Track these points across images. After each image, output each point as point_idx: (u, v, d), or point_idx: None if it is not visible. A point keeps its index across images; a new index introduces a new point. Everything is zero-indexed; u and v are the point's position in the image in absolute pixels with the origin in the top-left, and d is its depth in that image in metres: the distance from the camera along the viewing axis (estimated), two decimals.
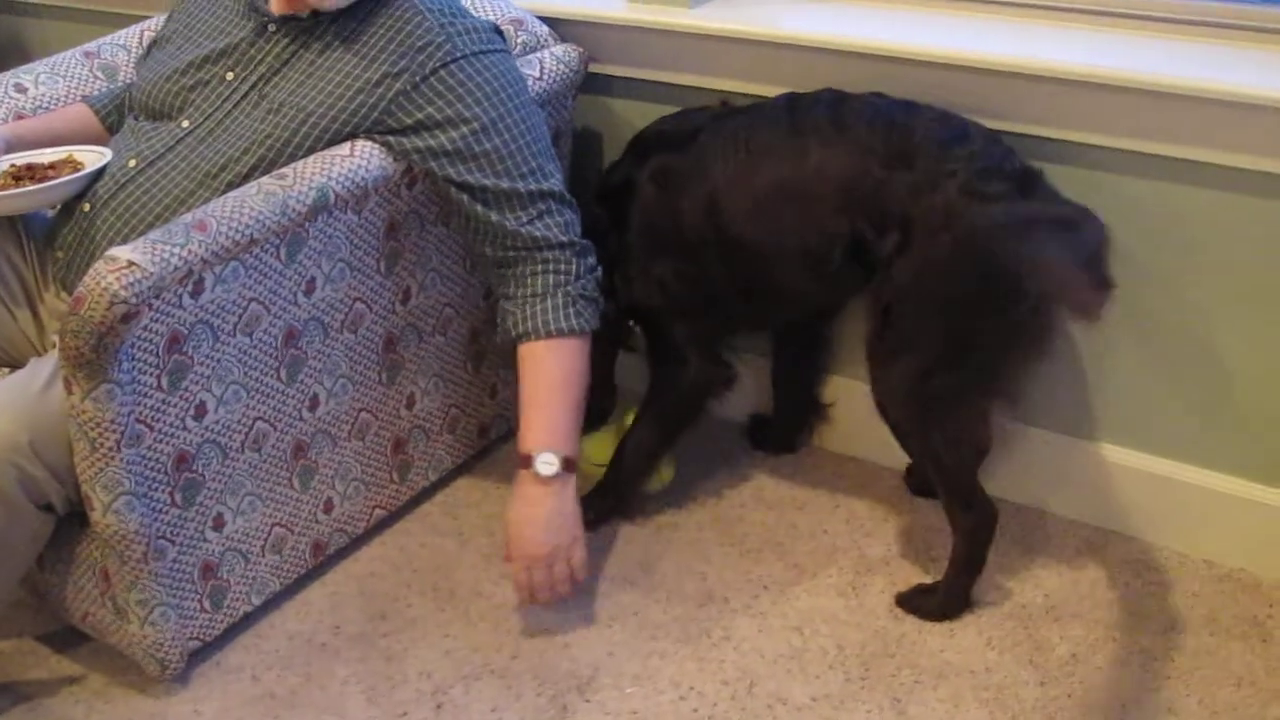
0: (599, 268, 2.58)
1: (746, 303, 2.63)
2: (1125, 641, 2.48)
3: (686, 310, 2.64)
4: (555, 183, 2.52)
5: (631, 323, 2.76)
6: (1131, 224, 2.47)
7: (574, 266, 2.50)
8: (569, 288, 2.48)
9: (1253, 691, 2.37)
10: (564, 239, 2.49)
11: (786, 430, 3.06)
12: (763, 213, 2.48)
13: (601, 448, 2.86)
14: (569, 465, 2.48)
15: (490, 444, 3.06)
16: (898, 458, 2.91)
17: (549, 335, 2.48)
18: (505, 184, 2.45)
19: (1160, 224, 2.48)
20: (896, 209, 2.34)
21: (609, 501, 2.82)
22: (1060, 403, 2.69)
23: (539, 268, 2.49)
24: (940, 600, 2.55)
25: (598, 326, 2.54)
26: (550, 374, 2.50)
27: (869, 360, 2.47)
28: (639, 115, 2.94)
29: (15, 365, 2.47)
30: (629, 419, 2.85)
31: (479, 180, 2.45)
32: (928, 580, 2.61)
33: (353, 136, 2.46)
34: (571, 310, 2.48)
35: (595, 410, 2.80)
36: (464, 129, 2.44)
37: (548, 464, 2.44)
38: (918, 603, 2.56)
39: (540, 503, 2.46)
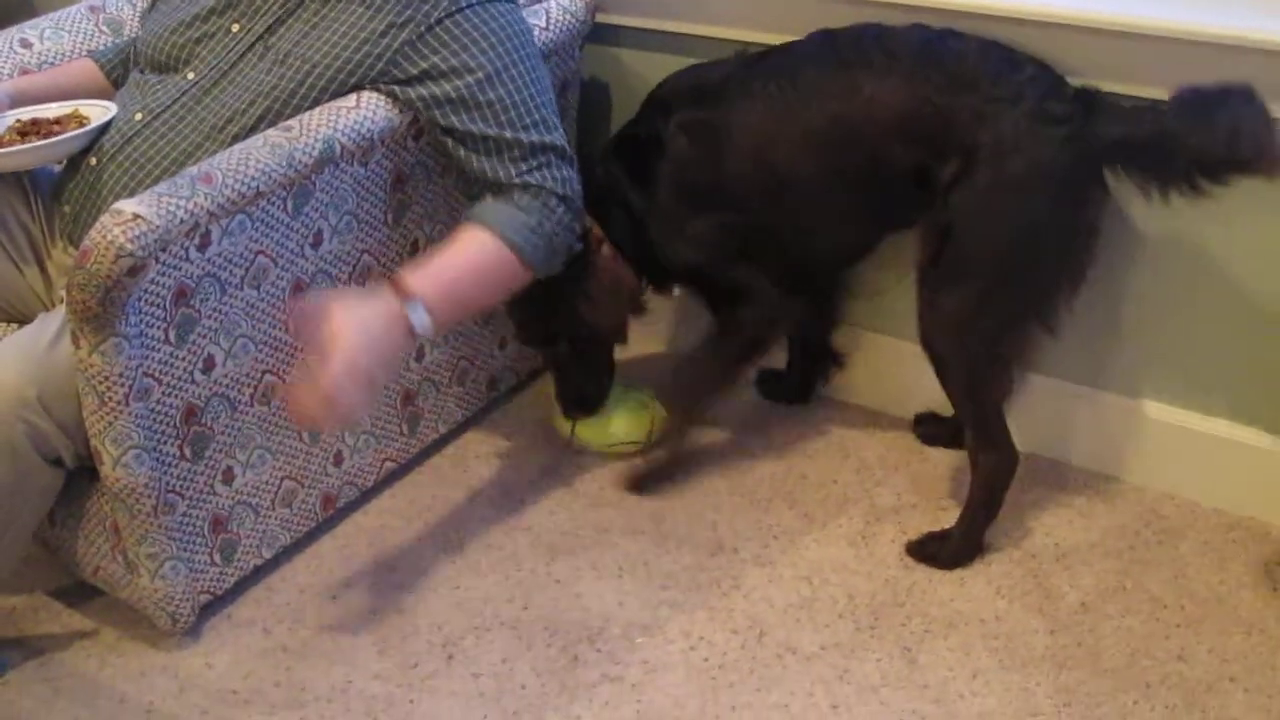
0: (583, 241, 2.55)
1: (794, 249, 2.60)
2: (1135, 590, 2.48)
3: (736, 260, 2.60)
4: (557, 137, 2.49)
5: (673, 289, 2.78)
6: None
7: (559, 215, 2.44)
8: (545, 224, 2.41)
9: (1262, 639, 2.37)
10: (560, 191, 2.45)
11: (802, 380, 3.05)
12: (817, 150, 2.45)
13: (600, 431, 2.88)
14: (420, 335, 2.30)
15: (499, 396, 3.06)
16: (908, 407, 2.91)
17: (497, 233, 2.37)
18: (508, 134, 2.43)
19: None
20: (960, 135, 2.31)
21: (680, 438, 2.84)
22: (1073, 352, 2.68)
23: (526, 198, 2.43)
24: (954, 545, 2.55)
25: (540, 274, 2.44)
26: (476, 260, 2.37)
27: (922, 288, 2.44)
28: (647, 66, 2.92)
29: (23, 321, 2.47)
30: (629, 402, 2.88)
31: (480, 130, 2.43)
32: (937, 530, 2.61)
33: (359, 88, 2.44)
34: (532, 236, 2.39)
35: (592, 395, 2.82)
36: (468, 78, 2.42)
37: (421, 320, 2.25)
38: (930, 550, 2.56)
39: (385, 333, 2.22)
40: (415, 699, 2.34)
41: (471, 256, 2.37)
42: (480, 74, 2.41)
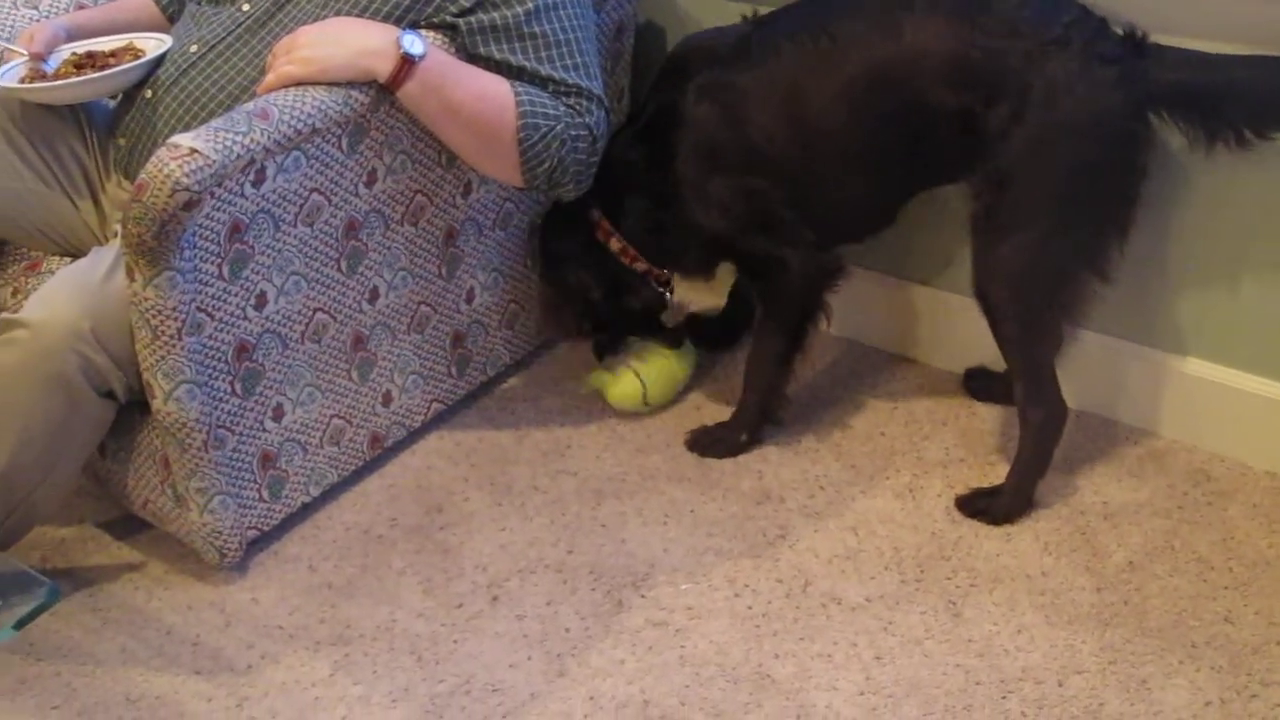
0: (591, 177, 2.54)
1: (829, 207, 2.56)
2: (1184, 551, 2.47)
3: (767, 223, 2.55)
4: (596, 85, 2.47)
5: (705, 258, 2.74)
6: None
7: (577, 138, 2.42)
8: (558, 127, 2.40)
9: None
10: (589, 123, 2.44)
11: (725, 327, 3.06)
12: (857, 101, 2.41)
13: (622, 386, 2.85)
14: (409, 70, 2.32)
15: (548, 340, 3.06)
16: (959, 361, 2.89)
17: (515, 93, 2.39)
18: (545, 69, 2.42)
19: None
20: (1009, 79, 2.28)
21: (755, 418, 2.76)
22: (1126, 310, 2.66)
23: (561, 107, 2.43)
24: (1004, 500, 2.53)
25: (520, 165, 2.43)
26: (486, 86, 2.40)
27: (977, 239, 2.42)
28: (703, 9, 2.91)
29: (77, 255, 2.48)
30: (651, 358, 2.85)
31: (519, 60, 2.41)
32: (985, 485, 2.60)
33: (414, 24, 2.43)
34: (542, 124, 2.39)
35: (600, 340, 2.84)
36: (518, 8, 2.40)
37: (414, 44, 2.32)
38: (979, 505, 2.55)
39: (374, 44, 2.33)
40: (459, 639, 2.35)
41: (482, 81, 2.40)
42: (531, 5, 2.40)
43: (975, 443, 2.74)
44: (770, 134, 2.47)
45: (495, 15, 2.40)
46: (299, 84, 2.29)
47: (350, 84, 2.31)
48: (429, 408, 2.78)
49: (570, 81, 2.42)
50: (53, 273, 2.45)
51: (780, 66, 2.45)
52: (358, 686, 2.27)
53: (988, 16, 2.30)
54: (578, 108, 2.43)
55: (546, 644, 2.33)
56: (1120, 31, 2.31)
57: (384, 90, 2.34)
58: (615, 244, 2.65)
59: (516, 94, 2.38)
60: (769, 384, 2.72)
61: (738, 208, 2.54)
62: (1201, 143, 2.30)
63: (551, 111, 2.39)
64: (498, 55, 2.42)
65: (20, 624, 2.03)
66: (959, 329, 2.79)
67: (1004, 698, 2.20)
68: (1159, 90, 2.29)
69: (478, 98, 2.37)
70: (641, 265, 2.68)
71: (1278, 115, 2.26)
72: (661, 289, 2.75)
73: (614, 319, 2.78)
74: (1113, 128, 2.30)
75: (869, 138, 2.45)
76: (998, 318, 2.45)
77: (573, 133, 2.41)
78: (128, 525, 2.60)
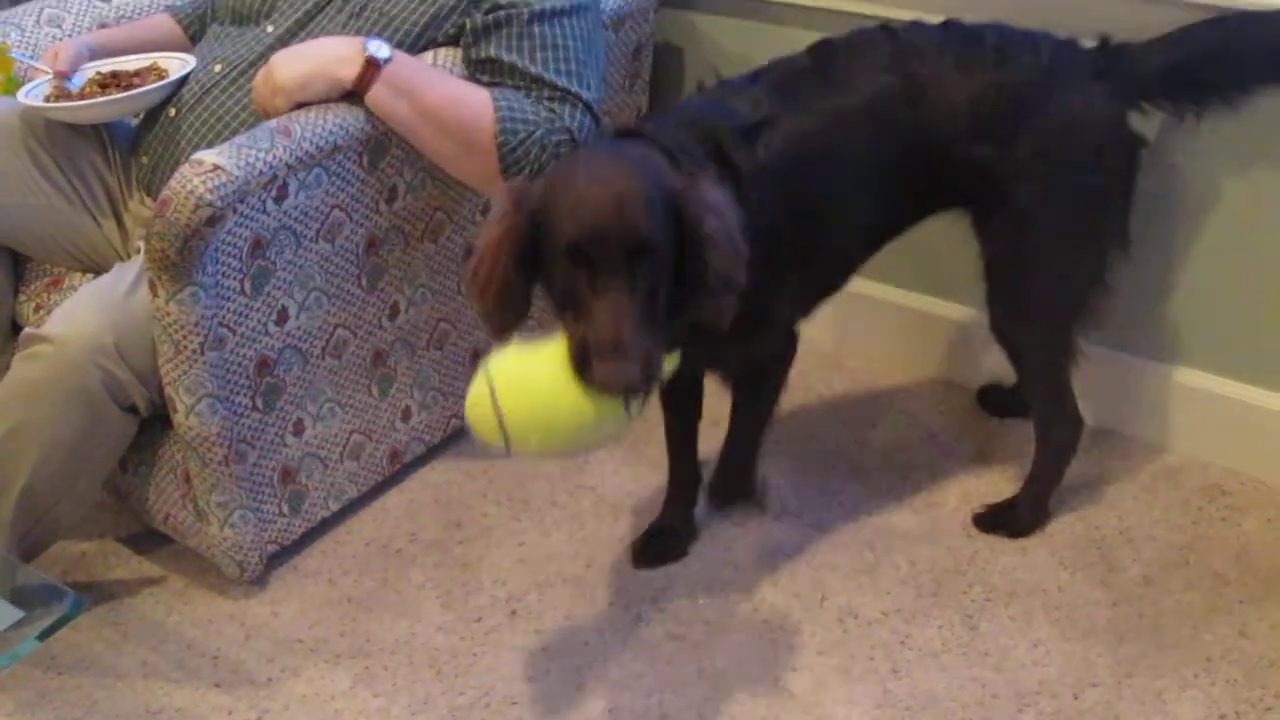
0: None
1: (832, 265, 2.41)
2: (1199, 565, 2.48)
3: (772, 318, 2.31)
4: (587, 92, 2.43)
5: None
6: (1210, 144, 2.45)
7: (557, 141, 2.37)
8: (537, 132, 2.36)
9: None
10: (571, 127, 2.39)
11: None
12: (878, 154, 2.26)
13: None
14: (374, 73, 2.33)
15: None
16: (972, 377, 2.90)
17: (492, 97, 2.37)
18: (535, 68, 2.40)
19: (1244, 146, 2.46)
20: (1026, 114, 2.24)
21: (738, 491, 2.56)
22: (1140, 326, 2.67)
23: (540, 109, 2.40)
24: (1022, 513, 2.55)
25: (499, 164, 2.36)
26: (457, 91, 2.39)
27: (997, 281, 2.39)
28: (721, 30, 2.93)
29: (100, 272, 2.49)
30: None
31: (510, 57, 2.40)
32: (1001, 500, 2.61)
33: (434, 42, 2.46)
34: (521, 127, 2.36)
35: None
36: (524, 9, 2.39)
37: (380, 49, 2.34)
38: (997, 519, 2.56)
39: (335, 44, 2.39)
40: (478, 652, 2.36)
41: (456, 85, 2.41)
42: (536, 7, 2.40)
43: (992, 458, 2.75)
44: (804, 200, 2.23)
45: (500, 14, 2.40)
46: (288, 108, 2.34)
47: (327, 95, 2.35)
48: (448, 424, 2.80)
49: (559, 85, 2.40)
50: (75, 289, 2.47)
51: (807, 133, 2.21)
52: (378, 699, 2.28)
53: (987, 55, 2.26)
54: (557, 111, 2.39)
55: (565, 657, 2.34)
56: (1091, 43, 2.32)
57: (354, 95, 2.35)
58: None
59: (494, 99, 2.36)
60: (750, 461, 2.52)
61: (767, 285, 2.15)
62: (1194, 117, 2.32)
63: (530, 116, 2.36)
64: (491, 52, 2.41)
65: (43, 635, 2.04)
66: (974, 345, 2.80)
67: (1020, 711, 2.20)
68: (1146, 85, 2.30)
69: (452, 102, 2.37)
70: None
71: (1254, 67, 2.29)
72: None
73: None
74: (1117, 144, 2.31)
75: (884, 189, 2.30)
76: (1024, 353, 2.46)
77: (554, 138, 2.37)
78: (148, 540, 2.62)
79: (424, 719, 2.24)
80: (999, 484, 2.67)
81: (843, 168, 2.25)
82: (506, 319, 1.98)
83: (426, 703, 2.27)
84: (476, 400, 1.89)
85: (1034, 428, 2.53)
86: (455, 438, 2.84)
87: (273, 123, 2.26)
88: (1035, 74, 2.25)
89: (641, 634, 2.38)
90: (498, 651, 2.36)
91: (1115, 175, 2.33)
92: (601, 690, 2.28)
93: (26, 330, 2.29)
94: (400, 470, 2.76)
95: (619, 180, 1.87)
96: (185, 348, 2.22)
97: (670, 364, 1.94)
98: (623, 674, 2.30)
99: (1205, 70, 2.29)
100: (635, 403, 1.90)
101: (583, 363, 1.83)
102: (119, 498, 2.55)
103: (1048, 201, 2.30)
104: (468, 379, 2.70)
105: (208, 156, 2.15)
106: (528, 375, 1.89)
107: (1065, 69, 2.26)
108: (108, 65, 2.59)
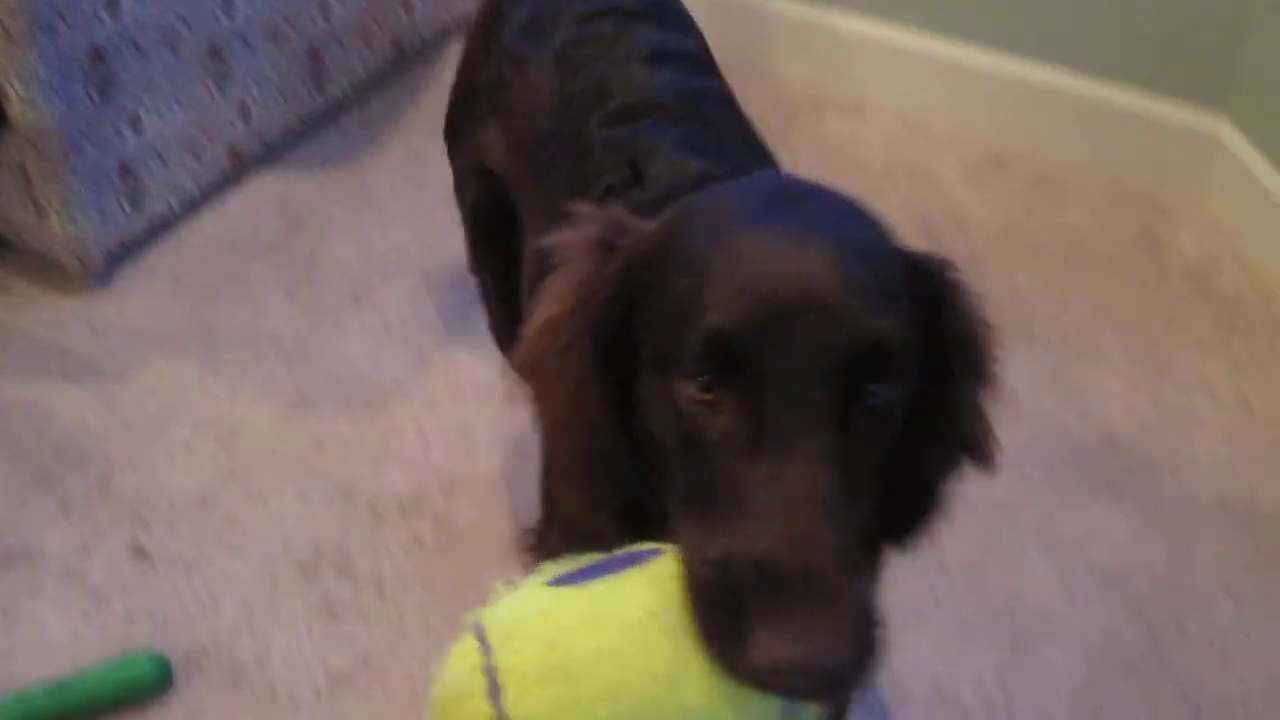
0: None
1: None
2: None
3: None
4: None
5: None
6: None
7: None
8: None
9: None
10: None
11: None
12: None
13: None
14: None
15: (405, 60, 3.06)
16: None
17: None
18: None
19: None
20: None
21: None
22: None
23: None
24: None
25: None
26: None
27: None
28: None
29: None
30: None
31: None
32: None
33: None
34: None
35: None
36: None
37: None
38: None
39: None
40: (325, 338, 2.41)
41: None
42: None
43: None
44: None
45: None
46: None
47: None
48: (288, 124, 2.79)
49: None
50: None
51: None
52: (226, 384, 2.32)
53: None
54: None
55: (411, 339, 2.39)
56: None
57: None
58: None
59: None
60: None
61: None
62: None
63: None
64: None
65: None
66: None
67: None
68: None
69: None
70: None
71: None
72: None
73: None
74: None
75: None
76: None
77: None
78: None
79: (272, 400, 2.29)
80: None
81: None
82: (594, 474, 1.12)
83: (275, 384, 2.31)
84: (458, 678, 0.99)
85: None
86: (297, 140, 2.84)
87: None
88: None
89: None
90: (344, 336, 2.41)
91: None
92: (447, 368, 2.35)
93: None
94: (242, 170, 2.75)
95: (820, 231, 1.04)
96: (14, 32, 2.19)
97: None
98: (467, 354, 2.37)
99: None
100: (809, 710, 0.99)
101: (728, 620, 0.92)
102: None
103: None
104: (305, 77, 2.74)
105: None
106: (574, 641, 0.96)
107: None
108: None
